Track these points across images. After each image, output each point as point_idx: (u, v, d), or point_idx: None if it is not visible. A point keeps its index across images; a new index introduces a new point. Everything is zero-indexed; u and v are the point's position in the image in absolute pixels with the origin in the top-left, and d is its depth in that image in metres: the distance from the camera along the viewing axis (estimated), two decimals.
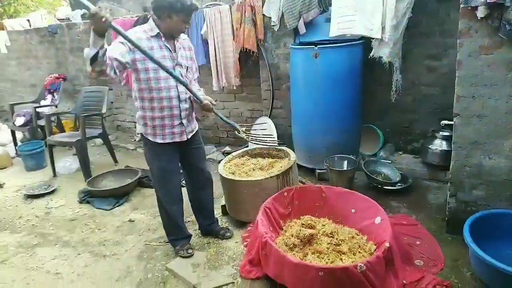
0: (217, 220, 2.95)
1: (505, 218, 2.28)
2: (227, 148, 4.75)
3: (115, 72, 2.09)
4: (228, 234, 2.82)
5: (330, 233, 2.39)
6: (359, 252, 2.25)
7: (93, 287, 2.44)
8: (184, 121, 2.43)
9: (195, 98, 2.41)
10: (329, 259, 2.19)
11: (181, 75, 2.33)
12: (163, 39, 2.26)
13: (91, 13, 1.79)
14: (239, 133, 2.80)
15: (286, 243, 2.34)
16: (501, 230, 2.26)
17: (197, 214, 2.84)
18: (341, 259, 2.20)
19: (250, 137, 2.91)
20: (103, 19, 1.81)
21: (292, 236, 2.39)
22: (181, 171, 2.72)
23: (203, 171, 2.70)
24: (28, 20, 7.87)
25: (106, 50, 1.98)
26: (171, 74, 2.21)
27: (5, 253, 2.92)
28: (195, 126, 2.59)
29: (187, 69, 2.40)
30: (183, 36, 2.43)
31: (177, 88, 2.33)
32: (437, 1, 3.33)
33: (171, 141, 2.42)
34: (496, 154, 2.28)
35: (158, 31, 2.24)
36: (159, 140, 2.40)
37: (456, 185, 2.48)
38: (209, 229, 2.84)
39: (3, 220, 3.46)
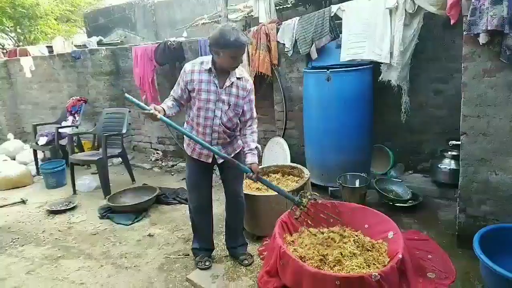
0: (246, 244, 2.92)
1: None
2: None
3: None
4: (247, 262, 2.76)
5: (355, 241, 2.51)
6: (374, 264, 2.34)
7: None
8: (214, 148, 2.49)
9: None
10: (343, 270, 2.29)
11: (221, 110, 2.46)
12: (213, 74, 2.42)
13: (147, 113, 2.25)
14: (297, 210, 2.55)
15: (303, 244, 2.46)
16: (510, 244, 2.34)
17: (226, 234, 2.92)
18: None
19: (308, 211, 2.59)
20: (157, 117, 2.25)
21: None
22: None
23: (236, 193, 2.75)
24: (48, 47, 8.32)
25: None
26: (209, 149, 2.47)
27: (32, 264, 3.06)
28: (231, 151, 2.63)
29: (229, 106, 2.47)
30: (240, 74, 2.50)
31: (213, 120, 2.46)
32: (442, 28, 3.53)
33: (197, 158, 2.60)
34: (502, 171, 2.40)
35: (210, 66, 2.41)
36: (188, 152, 2.64)
37: (465, 200, 2.59)
38: (233, 252, 2.87)
39: (28, 234, 3.61)
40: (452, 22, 2.55)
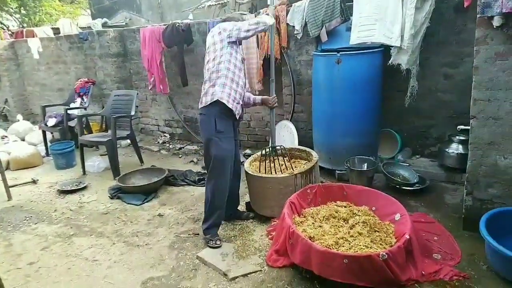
0: None
1: None
2: (248, 151, 4.94)
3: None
4: (251, 214, 3.20)
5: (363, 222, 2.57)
6: (380, 244, 2.39)
7: (130, 272, 2.62)
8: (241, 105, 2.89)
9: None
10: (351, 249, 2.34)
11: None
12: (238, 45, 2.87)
13: None
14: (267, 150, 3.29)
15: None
16: None
17: (230, 203, 3.03)
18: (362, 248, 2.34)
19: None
20: None
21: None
22: None
23: (239, 162, 3.08)
24: (53, 28, 8.32)
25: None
26: None
27: (45, 241, 3.14)
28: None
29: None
30: None
31: (245, 78, 2.91)
32: (454, 12, 3.49)
33: (234, 111, 2.76)
34: (511, 154, 2.42)
35: None
36: (230, 105, 2.71)
37: (472, 183, 2.62)
38: (234, 214, 3.18)
39: (40, 212, 3.69)
40: (465, 4, 2.53)
